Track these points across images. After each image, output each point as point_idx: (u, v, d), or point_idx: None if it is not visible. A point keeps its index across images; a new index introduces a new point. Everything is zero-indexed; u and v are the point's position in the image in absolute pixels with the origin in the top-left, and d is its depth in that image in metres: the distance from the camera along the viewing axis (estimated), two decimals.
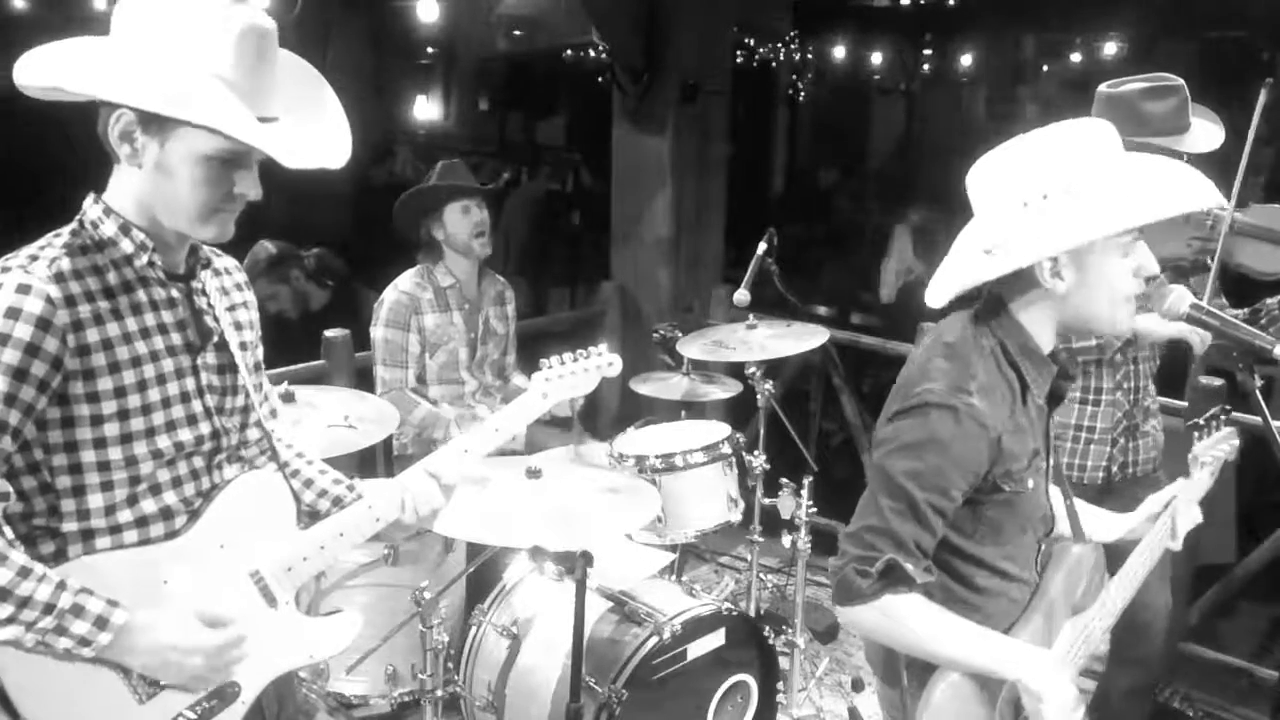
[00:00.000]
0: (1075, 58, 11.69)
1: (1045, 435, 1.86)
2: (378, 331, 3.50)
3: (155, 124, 1.57)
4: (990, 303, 1.80)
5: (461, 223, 3.50)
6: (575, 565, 2.44)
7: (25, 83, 1.53)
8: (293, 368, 3.85)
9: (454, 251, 3.55)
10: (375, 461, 3.66)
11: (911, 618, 1.70)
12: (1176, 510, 2.10)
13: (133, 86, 1.52)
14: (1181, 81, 2.69)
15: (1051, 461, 1.89)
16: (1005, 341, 1.77)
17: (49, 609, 1.53)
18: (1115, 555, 2.03)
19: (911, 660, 1.82)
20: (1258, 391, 1.88)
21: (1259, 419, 1.88)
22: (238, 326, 1.84)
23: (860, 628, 1.75)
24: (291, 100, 1.66)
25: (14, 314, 1.51)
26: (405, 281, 3.54)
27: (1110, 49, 11.06)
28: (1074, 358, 1.94)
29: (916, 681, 1.81)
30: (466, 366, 3.59)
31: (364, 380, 3.94)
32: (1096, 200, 1.65)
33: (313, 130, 1.66)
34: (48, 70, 1.53)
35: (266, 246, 4.72)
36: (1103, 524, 2.15)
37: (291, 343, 4.19)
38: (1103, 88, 2.75)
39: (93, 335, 1.58)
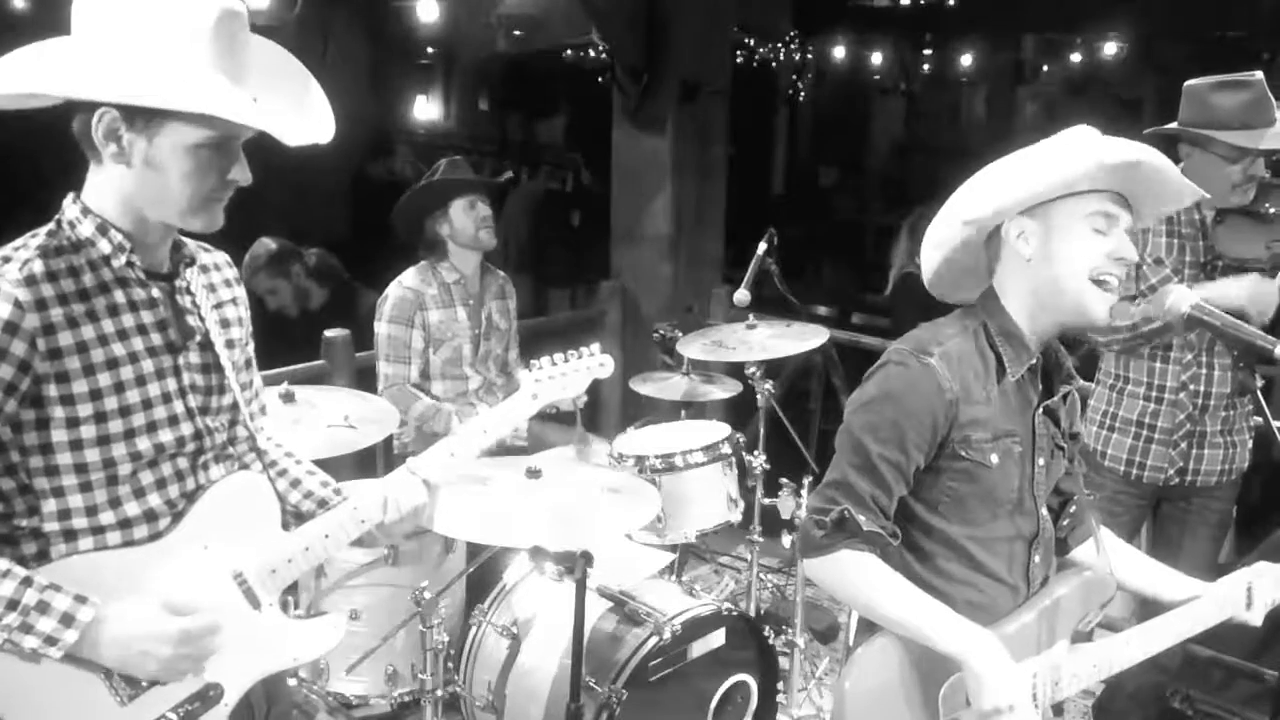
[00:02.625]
0: (1075, 58, 11.70)
1: (1031, 429, 1.85)
2: (381, 327, 3.51)
3: (142, 119, 1.54)
4: (984, 294, 1.87)
5: (467, 217, 3.52)
6: (575, 565, 2.43)
7: None
8: (293, 368, 3.85)
9: (460, 246, 3.55)
10: (375, 461, 3.66)
11: (862, 574, 1.74)
12: (1253, 583, 2.00)
13: (123, 84, 1.50)
14: (1259, 77, 2.64)
15: (1041, 461, 1.87)
16: (988, 323, 1.83)
17: (13, 605, 1.52)
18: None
19: (863, 617, 1.85)
20: (1259, 391, 1.88)
21: (1260, 419, 1.88)
22: (224, 324, 1.82)
23: (817, 579, 1.81)
24: (265, 79, 1.64)
25: None
26: (409, 277, 3.55)
27: (1110, 49, 11.07)
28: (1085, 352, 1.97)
29: (861, 637, 1.85)
30: (470, 362, 3.60)
31: (364, 380, 3.94)
32: (1044, 161, 1.74)
33: (295, 107, 1.65)
34: (23, 78, 1.50)
35: (266, 244, 4.72)
36: (1166, 581, 2.04)
37: (291, 342, 4.19)
38: (1188, 80, 2.75)
39: (66, 339, 1.56)
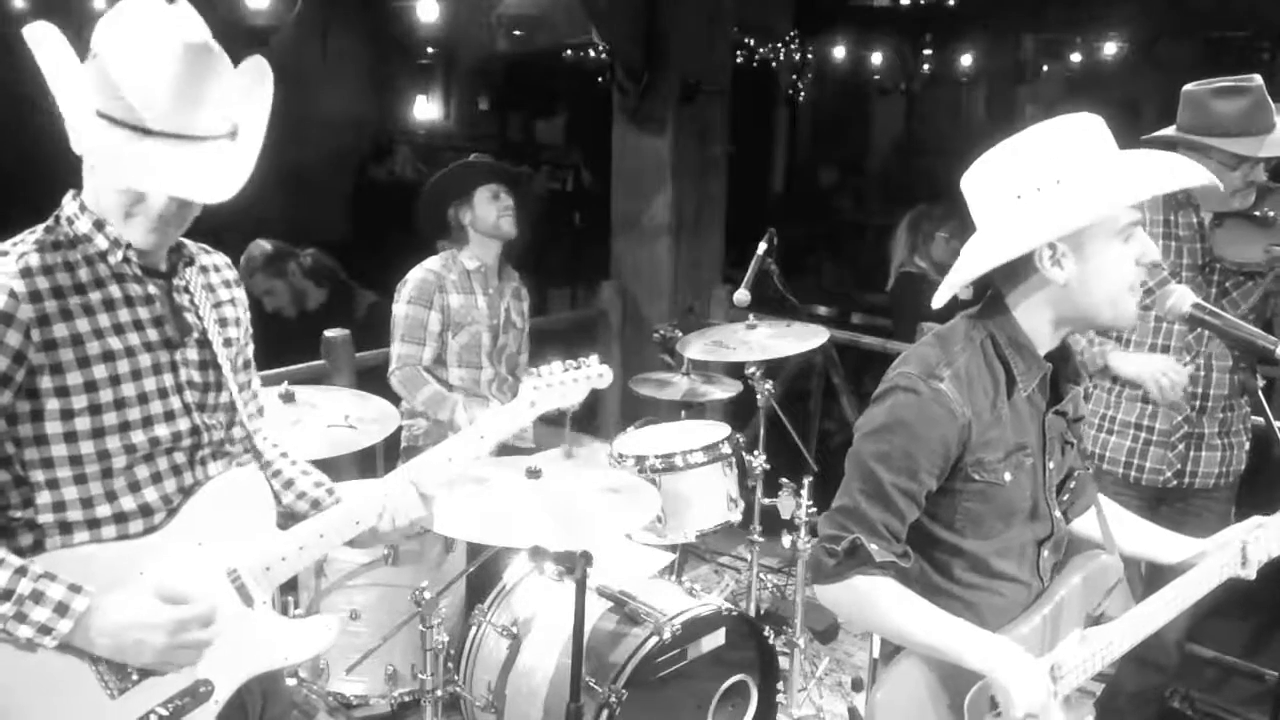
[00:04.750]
0: (1075, 58, 11.69)
1: (1041, 434, 1.83)
2: (399, 308, 3.52)
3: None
4: (989, 300, 1.81)
5: (490, 206, 3.55)
6: (575, 565, 2.43)
7: (34, 49, 1.55)
8: (293, 368, 3.85)
9: (481, 235, 3.58)
10: (375, 461, 3.66)
11: (878, 598, 1.71)
12: (1255, 537, 1.99)
13: (77, 130, 1.55)
14: (1258, 82, 2.60)
15: (1052, 464, 1.86)
16: (995, 334, 1.77)
17: (8, 594, 1.52)
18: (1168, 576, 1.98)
19: (886, 640, 1.83)
20: (1260, 392, 1.88)
21: (1261, 419, 1.88)
22: (222, 323, 1.83)
23: (831, 605, 1.78)
24: (228, 113, 1.64)
25: None
26: (432, 261, 3.59)
27: (1110, 49, 11.06)
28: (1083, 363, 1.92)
29: (885, 661, 1.83)
30: (489, 352, 3.61)
31: (364, 380, 3.94)
32: (1089, 185, 1.66)
33: (226, 150, 1.63)
34: (50, 63, 1.55)
35: (262, 245, 4.73)
36: (1166, 544, 2.06)
37: (290, 342, 4.20)
38: (1187, 85, 2.71)
39: (60, 330, 1.58)
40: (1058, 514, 1.89)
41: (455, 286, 3.55)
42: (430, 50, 12.04)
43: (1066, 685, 1.78)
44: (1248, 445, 2.89)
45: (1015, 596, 1.84)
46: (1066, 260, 1.69)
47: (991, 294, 1.81)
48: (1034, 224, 1.67)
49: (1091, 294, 1.72)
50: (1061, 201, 1.66)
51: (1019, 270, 1.74)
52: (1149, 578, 2.52)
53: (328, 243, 5.31)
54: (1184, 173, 1.72)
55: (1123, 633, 1.87)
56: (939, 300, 1.77)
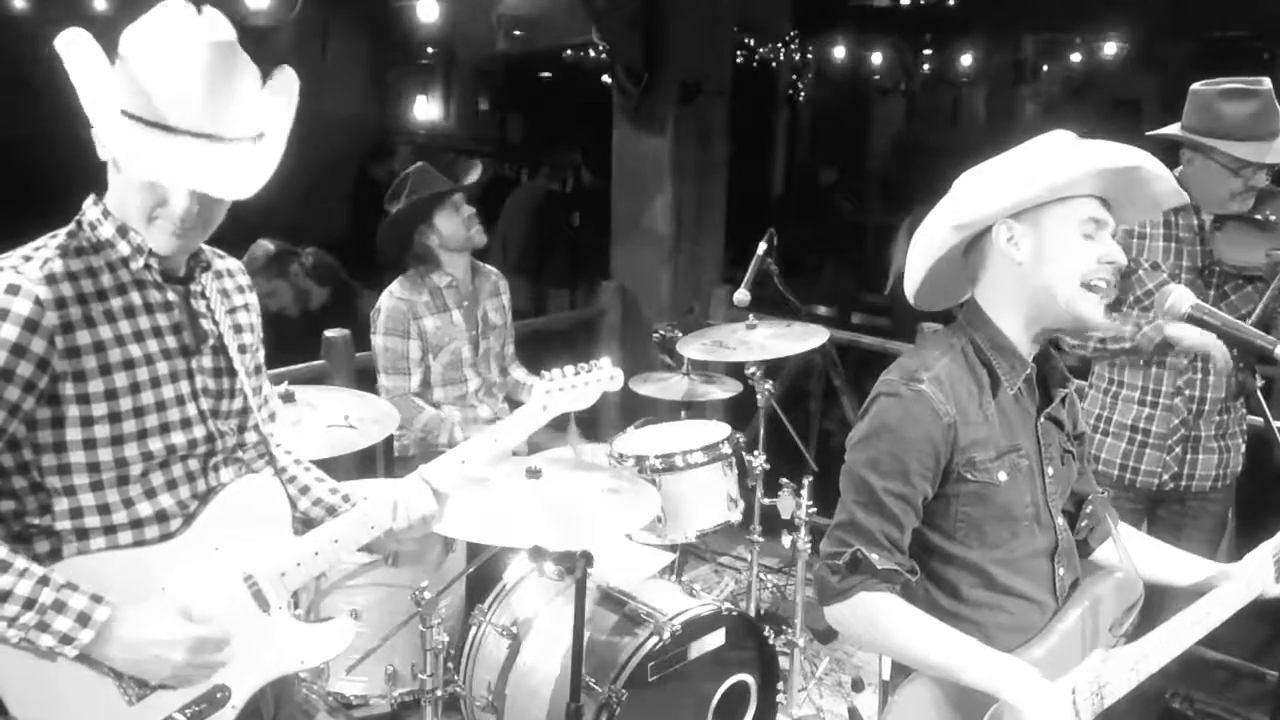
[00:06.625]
0: (1075, 58, 11.70)
1: (1035, 438, 1.83)
2: (377, 340, 3.48)
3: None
4: (967, 307, 1.85)
5: (454, 222, 3.46)
6: (575, 565, 2.44)
7: (64, 53, 1.56)
8: (293, 368, 3.85)
9: (450, 252, 3.51)
10: (375, 461, 3.66)
11: (884, 617, 1.69)
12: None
13: (99, 118, 1.57)
14: (1267, 86, 2.57)
15: (1051, 470, 1.84)
16: (976, 339, 1.81)
17: (30, 604, 1.53)
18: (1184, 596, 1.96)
19: (895, 663, 1.81)
20: (1259, 392, 1.87)
21: (1260, 419, 1.87)
22: (237, 329, 1.84)
23: (839, 627, 1.76)
24: (255, 117, 1.64)
25: (1, 315, 1.53)
26: (399, 287, 3.49)
27: (1110, 49, 11.07)
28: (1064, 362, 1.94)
29: (894, 686, 1.80)
30: (471, 364, 3.58)
31: (364, 380, 3.94)
32: (1038, 164, 1.72)
33: (250, 152, 1.64)
34: (79, 66, 1.57)
35: (265, 245, 4.73)
36: (1180, 566, 2.03)
37: (291, 342, 4.20)
38: (1195, 84, 2.68)
39: (84, 338, 1.59)
40: (1060, 522, 1.87)
41: (428, 308, 3.47)
42: (430, 50, 12.05)
43: (1091, 707, 1.75)
44: (1244, 447, 2.89)
45: (1027, 616, 1.81)
46: (1024, 240, 1.74)
47: (969, 302, 1.83)
48: (988, 197, 1.74)
49: (1043, 276, 1.74)
50: (1013, 179, 1.73)
51: (985, 258, 1.79)
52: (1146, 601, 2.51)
53: (328, 242, 5.31)
54: (1135, 154, 1.74)
55: (1151, 651, 1.84)
56: (909, 285, 1.83)
